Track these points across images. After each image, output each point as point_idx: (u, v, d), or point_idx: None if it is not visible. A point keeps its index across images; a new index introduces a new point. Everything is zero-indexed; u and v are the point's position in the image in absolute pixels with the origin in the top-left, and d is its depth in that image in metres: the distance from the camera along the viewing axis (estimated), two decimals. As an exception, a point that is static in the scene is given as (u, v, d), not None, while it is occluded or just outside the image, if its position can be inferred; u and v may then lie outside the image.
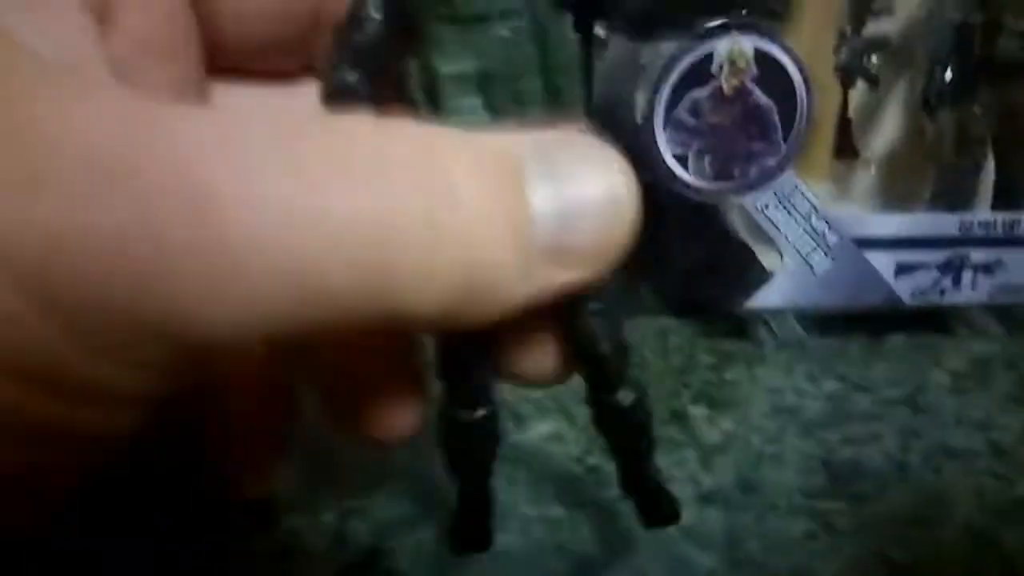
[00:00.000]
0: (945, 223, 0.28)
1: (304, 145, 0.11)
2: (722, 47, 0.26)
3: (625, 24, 0.26)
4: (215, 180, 0.10)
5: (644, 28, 0.26)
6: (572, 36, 0.16)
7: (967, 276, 0.29)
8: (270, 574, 0.18)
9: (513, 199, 0.12)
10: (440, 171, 0.12)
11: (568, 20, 0.16)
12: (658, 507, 0.16)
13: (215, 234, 0.10)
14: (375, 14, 0.14)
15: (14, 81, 0.10)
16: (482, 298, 0.12)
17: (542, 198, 0.12)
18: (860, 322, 0.30)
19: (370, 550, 0.18)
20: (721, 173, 0.27)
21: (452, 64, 0.14)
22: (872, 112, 0.29)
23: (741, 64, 0.26)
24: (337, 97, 0.14)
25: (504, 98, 0.14)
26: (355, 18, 0.14)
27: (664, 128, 0.26)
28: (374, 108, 0.14)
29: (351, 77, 0.14)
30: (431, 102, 0.14)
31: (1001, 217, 0.28)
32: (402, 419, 0.14)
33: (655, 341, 0.30)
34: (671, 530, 0.19)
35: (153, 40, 0.14)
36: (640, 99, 0.27)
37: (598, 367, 0.14)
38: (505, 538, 0.19)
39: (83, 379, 0.10)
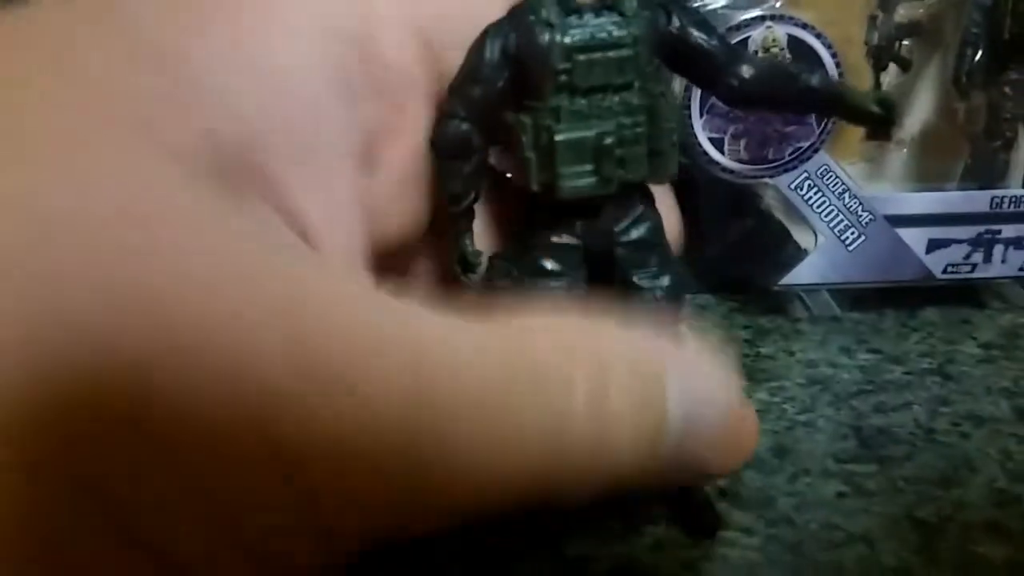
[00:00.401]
0: (976, 200, 0.29)
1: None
2: (757, 34, 0.27)
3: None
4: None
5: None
6: (675, 103, 0.17)
7: (998, 251, 0.29)
8: None
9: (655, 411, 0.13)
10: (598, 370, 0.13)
11: (672, 86, 0.17)
12: (701, 519, 0.18)
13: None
14: (494, 70, 0.15)
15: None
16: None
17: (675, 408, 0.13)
18: (894, 297, 0.31)
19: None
20: (756, 156, 0.28)
21: (569, 132, 0.15)
22: (904, 93, 0.30)
23: (775, 50, 0.27)
24: (447, 146, 0.15)
25: (611, 164, 0.15)
26: (473, 70, 0.15)
27: (701, 113, 0.28)
28: (481, 157, 0.16)
29: (464, 126, 0.15)
30: (543, 164, 0.15)
31: (1032, 193, 0.29)
32: None
33: (693, 318, 0.31)
34: (709, 488, 0.20)
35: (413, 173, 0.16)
36: (677, 85, 0.28)
37: None
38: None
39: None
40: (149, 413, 0.10)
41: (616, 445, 0.13)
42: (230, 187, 0.12)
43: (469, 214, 0.17)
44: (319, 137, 0.14)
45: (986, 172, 0.30)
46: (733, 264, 0.32)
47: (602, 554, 0.18)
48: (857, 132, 0.30)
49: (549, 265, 0.16)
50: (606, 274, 0.17)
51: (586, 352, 0.13)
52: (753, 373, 0.26)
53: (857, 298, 0.31)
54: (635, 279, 0.17)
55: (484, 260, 0.17)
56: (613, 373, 0.13)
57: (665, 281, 0.17)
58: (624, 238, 0.17)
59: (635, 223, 0.17)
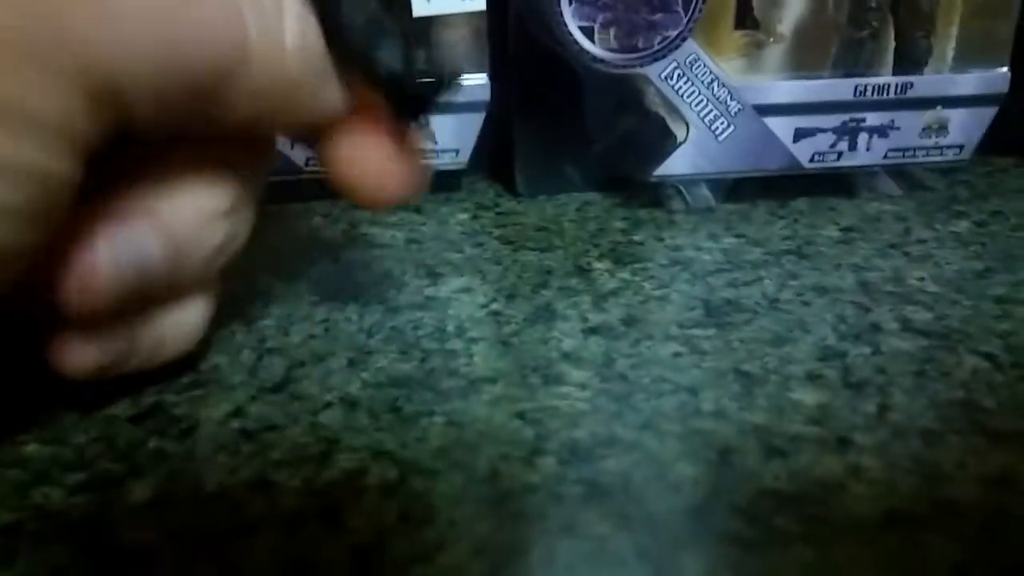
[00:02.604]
0: (841, 88, 0.30)
1: None
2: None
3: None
4: None
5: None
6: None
7: (862, 139, 0.30)
8: (189, 402, 0.20)
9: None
10: None
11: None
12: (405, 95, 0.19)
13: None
14: None
15: None
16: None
17: None
18: (769, 188, 0.32)
19: (282, 379, 0.21)
20: (625, 44, 0.29)
21: None
22: (774, -16, 0.30)
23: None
24: None
25: None
26: None
27: (570, 2, 0.28)
28: None
29: None
30: None
31: (895, 81, 0.30)
32: (79, 358, 0.17)
33: (575, 212, 0.32)
34: (552, 352, 0.21)
35: None
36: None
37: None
38: (405, 366, 0.21)
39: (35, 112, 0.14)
40: None
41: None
42: None
43: None
44: None
45: (854, 63, 0.30)
46: (617, 160, 0.33)
47: (438, 410, 0.19)
48: (729, 22, 0.30)
49: None
50: None
51: None
52: (621, 257, 0.27)
53: (733, 189, 0.32)
54: None
55: None
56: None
57: None
58: None
59: None
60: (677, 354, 0.21)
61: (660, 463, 0.17)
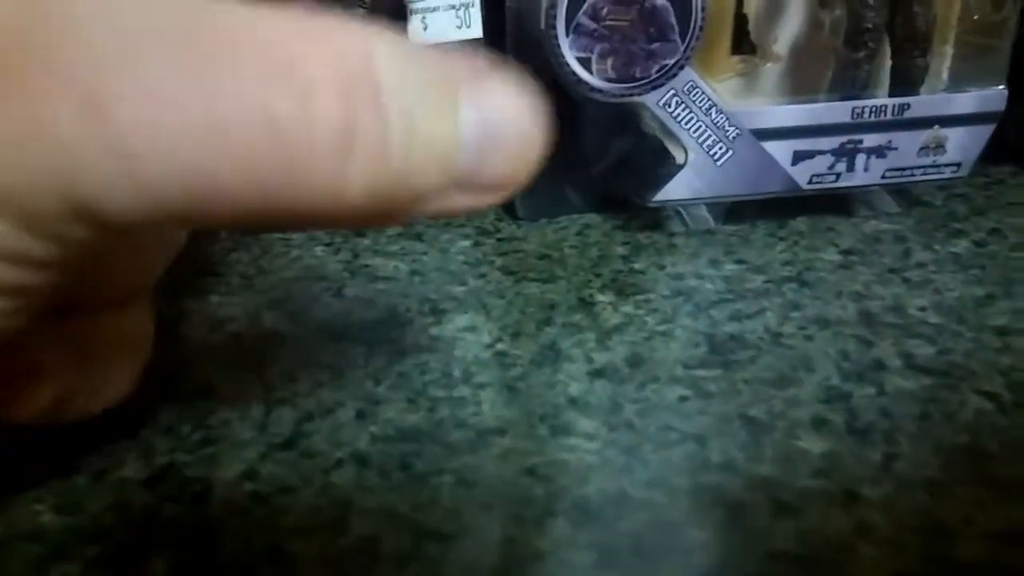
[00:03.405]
0: (837, 111, 0.30)
1: (199, 32, 0.12)
2: (616, -48, 0.27)
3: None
4: (104, 79, 0.11)
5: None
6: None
7: (860, 160, 0.31)
8: (201, 462, 0.20)
9: (449, 125, 0.13)
10: (363, 77, 0.12)
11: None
12: None
13: (108, 130, 0.11)
14: None
15: None
16: (397, 211, 0.14)
17: (467, 125, 0.13)
18: (768, 209, 0.32)
19: (292, 434, 0.21)
20: (623, 74, 0.29)
21: None
22: (771, 9, 0.30)
23: (635, -33, 0.27)
24: None
25: None
26: None
27: (567, 33, 0.28)
28: None
29: None
30: None
31: (892, 102, 0.30)
32: (26, 405, 0.17)
33: (576, 237, 0.32)
34: (559, 397, 0.21)
35: None
36: (544, 4, 0.28)
37: None
38: (414, 417, 0.21)
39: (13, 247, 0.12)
40: None
41: (402, 166, 0.12)
42: None
43: None
44: None
45: (851, 83, 0.30)
46: (615, 183, 0.33)
47: (448, 467, 0.19)
48: (726, 47, 0.30)
49: None
50: None
51: (355, 57, 0.12)
52: (623, 288, 0.27)
53: (732, 210, 0.32)
54: None
55: None
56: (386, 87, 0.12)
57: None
58: None
59: None
60: (683, 398, 0.21)
61: (670, 524, 0.17)
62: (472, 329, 0.25)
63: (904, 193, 0.33)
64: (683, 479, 0.19)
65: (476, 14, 0.30)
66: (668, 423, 0.20)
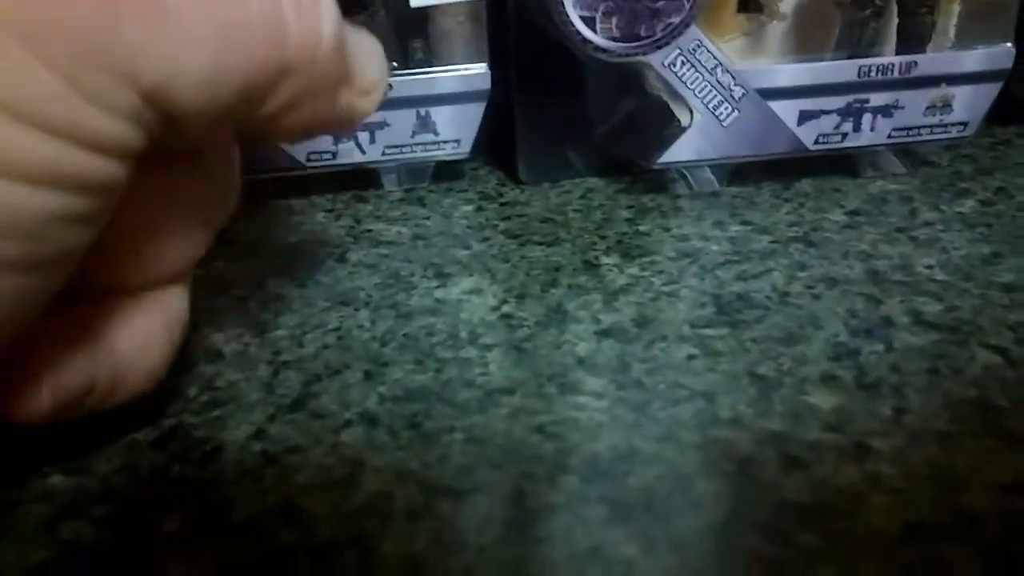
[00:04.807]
0: (844, 70, 0.30)
1: None
2: (620, -92, 0.26)
3: None
4: None
5: None
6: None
7: (867, 120, 0.30)
8: (209, 424, 0.20)
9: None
10: None
11: None
12: None
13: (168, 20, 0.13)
14: None
15: None
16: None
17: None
18: (773, 169, 0.31)
19: (300, 395, 0.21)
20: (628, 33, 0.28)
21: None
22: (775, -36, 0.30)
23: (640, -76, 0.27)
24: None
25: None
26: None
27: (572, -7, 0.27)
28: None
29: None
30: None
31: (898, 60, 0.30)
32: (27, 404, 0.16)
33: (579, 201, 0.31)
34: (566, 357, 0.21)
35: None
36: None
37: None
38: (422, 377, 0.21)
39: (76, 122, 0.13)
40: None
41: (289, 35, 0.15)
42: None
43: None
44: None
45: (857, 42, 0.30)
46: (619, 145, 0.33)
47: (459, 425, 0.19)
48: (731, 5, 0.30)
49: None
50: None
51: None
52: (628, 250, 0.27)
53: (736, 172, 0.32)
54: None
55: None
56: None
57: None
58: None
59: None
60: (691, 356, 0.21)
61: (681, 478, 0.17)
62: (477, 292, 0.25)
63: (910, 153, 0.32)
64: (692, 434, 0.19)
65: (478, -26, 0.30)
66: (677, 381, 0.20)
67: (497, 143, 0.33)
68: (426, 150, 0.31)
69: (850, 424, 0.19)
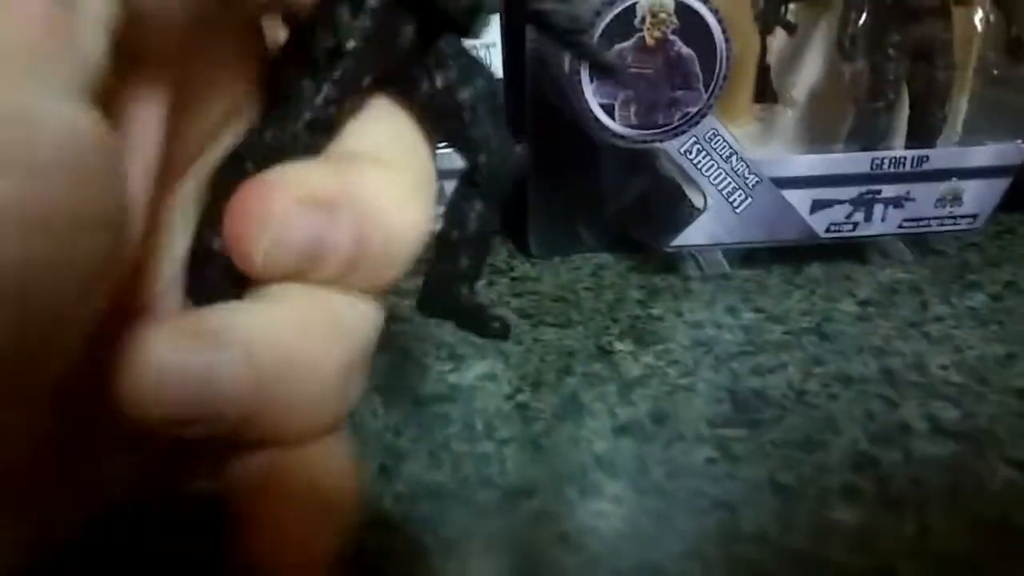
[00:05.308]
0: (857, 161, 0.30)
1: None
2: (644, 1, 0.27)
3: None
4: None
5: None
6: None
7: (878, 210, 0.31)
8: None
9: None
10: None
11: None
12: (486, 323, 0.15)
13: None
14: None
15: None
16: None
17: None
18: (782, 253, 0.32)
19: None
20: (646, 121, 0.28)
21: None
22: (792, 58, 0.30)
23: (663, 16, 0.27)
24: None
25: None
26: None
27: (591, 79, 0.28)
28: None
29: None
30: None
31: (911, 154, 0.30)
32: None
33: (590, 278, 0.31)
34: (584, 455, 0.21)
35: None
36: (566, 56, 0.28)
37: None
38: (436, 475, 0.21)
39: None
40: None
41: None
42: None
43: None
44: None
45: (869, 133, 0.30)
46: (631, 224, 0.33)
47: (477, 532, 0.19)
48: (747, 94, 0.30)
49: None
50: None
51: None
52: (642, 336, 0.27)
53: (747, 256, 0.32)
54: None
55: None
56: None
57: None
58: None
59: None
60: (711, 460, 0.21)
61: (708, 601, 0.17)
62: (491, 377, 0.25)
63: (918, 242, 0.33)
64: (716, 550, 0.18)
65: (497, 54, 0.30)
66: (698, 488, 0.20)
67: (508, 217, 0.33)
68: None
69: (875, 544, 0.19)
